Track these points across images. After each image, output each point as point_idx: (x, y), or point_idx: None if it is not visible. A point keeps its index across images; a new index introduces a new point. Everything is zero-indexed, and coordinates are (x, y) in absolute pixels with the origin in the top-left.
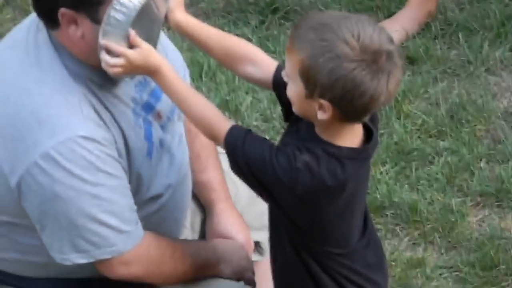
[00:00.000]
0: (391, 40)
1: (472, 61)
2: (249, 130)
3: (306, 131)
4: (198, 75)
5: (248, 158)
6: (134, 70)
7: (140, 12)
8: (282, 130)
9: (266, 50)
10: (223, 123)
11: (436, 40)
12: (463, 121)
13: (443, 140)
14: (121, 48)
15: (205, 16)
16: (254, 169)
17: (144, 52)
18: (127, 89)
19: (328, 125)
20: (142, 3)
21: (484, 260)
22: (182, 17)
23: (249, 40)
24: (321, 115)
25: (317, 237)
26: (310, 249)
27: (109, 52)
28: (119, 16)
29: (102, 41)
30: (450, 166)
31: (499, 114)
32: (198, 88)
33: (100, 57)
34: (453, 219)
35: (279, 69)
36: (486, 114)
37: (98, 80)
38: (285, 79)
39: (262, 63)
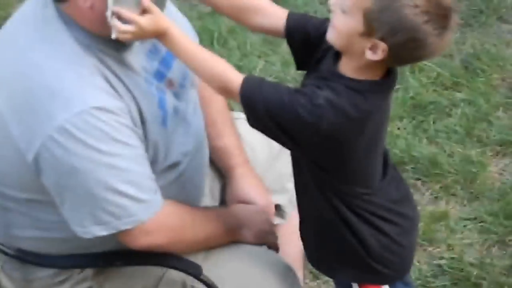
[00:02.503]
0: None
1: (483, 10)
2: (263, 78)
3: (327, 71)
4: (210, 43)
5: (267, 105)
6: (145, 35)
7: None
8: None
9: None
10: (236, 76)
11: None
12: (478, 71)
13: (459, 92)
14: (133, 15)
15: None
16: (275, 115)
17: (155, 17)
18: (138, 58)
19: (364, 64)
20: None
21: (507, 209)
22: None
23: None
24: (370, 56)
25: (345, 177)
26: (338, 191)
27: (120, 18)
28: None
29: (115, 7)
30: (468, 117)
31: None
32: None
33: (111, 23)
34: (474, 170)
35: (291, 16)
36: (501, 63)
37: (109, 50)
38: (337, 8)
39: (271, 12)
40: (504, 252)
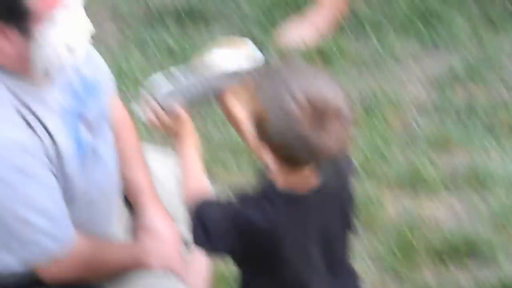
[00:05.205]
0: (340, 95)
1: (382, 54)
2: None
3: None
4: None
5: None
6: (167, 131)
7: None
8: None
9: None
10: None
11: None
12: (377, 113)
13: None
14: (167, 118)
15: (125, 22)
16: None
17: (182, 120)
18: (54, 95)
19: (277, 168)
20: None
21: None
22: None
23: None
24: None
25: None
26: None
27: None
28: (196, 89)
29: (164, 99)
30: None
31: (412, 105)
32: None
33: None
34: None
35: None
36: (398, 105)
37: (23, 86)
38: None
39: None
40: None
